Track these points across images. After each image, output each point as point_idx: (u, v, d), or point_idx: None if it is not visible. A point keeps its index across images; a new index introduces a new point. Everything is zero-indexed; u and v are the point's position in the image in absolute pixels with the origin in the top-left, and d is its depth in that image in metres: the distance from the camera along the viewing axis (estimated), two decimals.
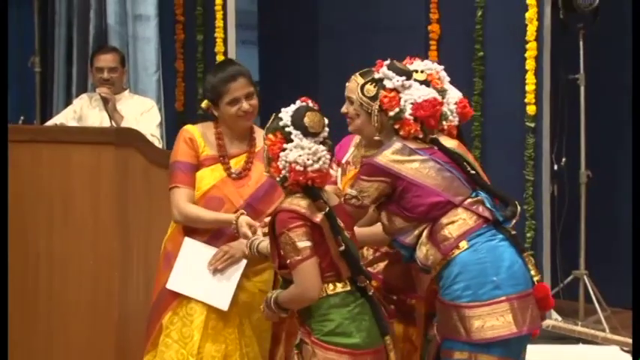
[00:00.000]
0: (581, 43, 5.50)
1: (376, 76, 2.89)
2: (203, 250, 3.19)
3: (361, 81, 2.94)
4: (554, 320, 5.34)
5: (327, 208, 2.71)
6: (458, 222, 2.76)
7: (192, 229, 3.20)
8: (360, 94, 2.91)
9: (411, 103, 2.82)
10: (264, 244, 2.88)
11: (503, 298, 2.70)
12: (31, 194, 3.95)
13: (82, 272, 3.88)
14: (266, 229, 2.91)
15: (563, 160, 5.60)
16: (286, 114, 2.74)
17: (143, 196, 3.98)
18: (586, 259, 5.53)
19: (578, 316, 5.43)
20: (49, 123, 4.74)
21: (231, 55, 5.55)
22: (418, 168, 2.80)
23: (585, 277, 5.49)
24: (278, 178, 2.75)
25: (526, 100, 5.36)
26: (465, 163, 2.86)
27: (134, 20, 5.61)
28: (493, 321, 2.69)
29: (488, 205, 2.80)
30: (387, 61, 2.89)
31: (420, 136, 2.85)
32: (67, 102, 5.56)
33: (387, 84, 2.85)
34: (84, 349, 3.87)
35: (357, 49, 5.67)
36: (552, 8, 5.36)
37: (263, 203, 3.17)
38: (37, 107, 5.70)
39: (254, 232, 3.00)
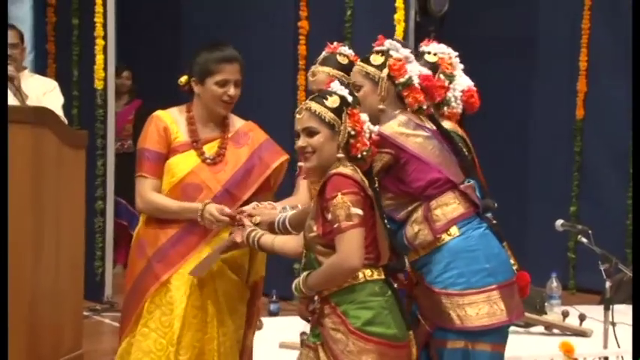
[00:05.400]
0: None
1: (380, 48, 2.86)
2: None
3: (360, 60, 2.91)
4: None
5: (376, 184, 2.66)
6: (452, 205, 2.75)
7: (163, 218, 3.09)
8: (365, 63, 2.85)
9: (417, 75, 2.82)
10: (267, 239, 2.79)
11: (494, 285, 2.71)
12: None
13: None
14: (255, 218, 2.87)
15: None
16: (344, 90, 2.66)
17: (55, 177, 3.94)
18: None
19: None
20: None
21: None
22: (422, 143, 2.76)
23: None
24: (362, 154, 2.62)
25: None
26: (461, 148, 2.91)
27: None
28: (487, 308, 2.69)
29: (477, 193, 2.82)
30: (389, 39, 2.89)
31: (424, 107, 2.83)
32: None
33: (394, 54, 2.84)
34: None
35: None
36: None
37: (239, 188, 3.09)
38: None
39: (231, 216, 2.92)
